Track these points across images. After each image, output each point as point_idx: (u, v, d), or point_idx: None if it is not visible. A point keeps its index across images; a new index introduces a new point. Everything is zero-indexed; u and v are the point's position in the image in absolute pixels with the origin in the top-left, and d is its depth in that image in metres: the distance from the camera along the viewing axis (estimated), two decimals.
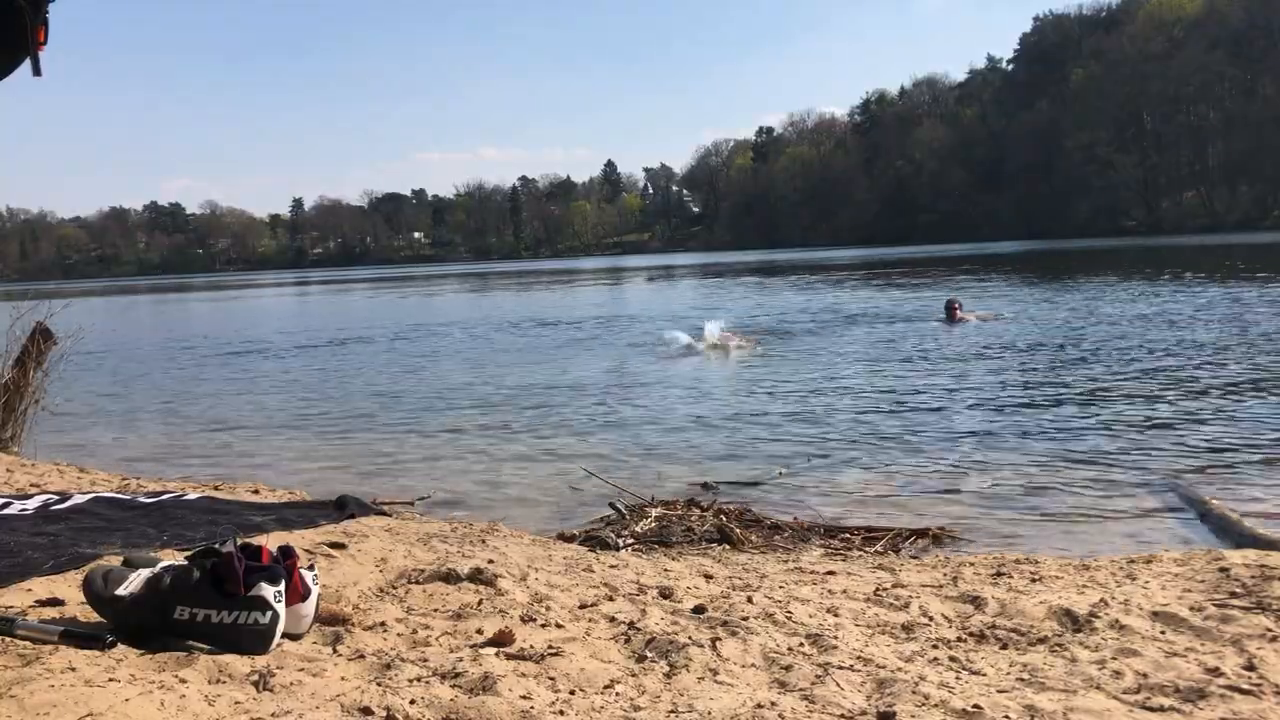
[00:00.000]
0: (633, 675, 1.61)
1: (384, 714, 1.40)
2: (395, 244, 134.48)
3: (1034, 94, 77.49)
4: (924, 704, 1.48)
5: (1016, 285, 19.21)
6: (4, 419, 4.81)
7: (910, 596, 2.12)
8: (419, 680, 1.54)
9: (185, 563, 1.72)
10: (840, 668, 1.65)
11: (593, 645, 1.75)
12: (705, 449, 5.25)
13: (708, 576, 2.38)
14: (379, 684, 1.50)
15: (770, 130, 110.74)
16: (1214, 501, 3.58)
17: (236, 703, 1.41)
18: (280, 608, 1.65)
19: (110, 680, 1.44)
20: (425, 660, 1.64)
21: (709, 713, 1.45)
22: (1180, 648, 1.77)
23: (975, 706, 1.47)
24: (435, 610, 1.97)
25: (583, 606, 2.02)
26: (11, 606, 1.80)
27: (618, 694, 1.53)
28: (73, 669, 1.47)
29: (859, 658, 1.71)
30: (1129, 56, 70.15)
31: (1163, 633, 1.86)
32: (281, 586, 1.66)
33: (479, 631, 1.82)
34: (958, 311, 11.83)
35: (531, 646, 1.72)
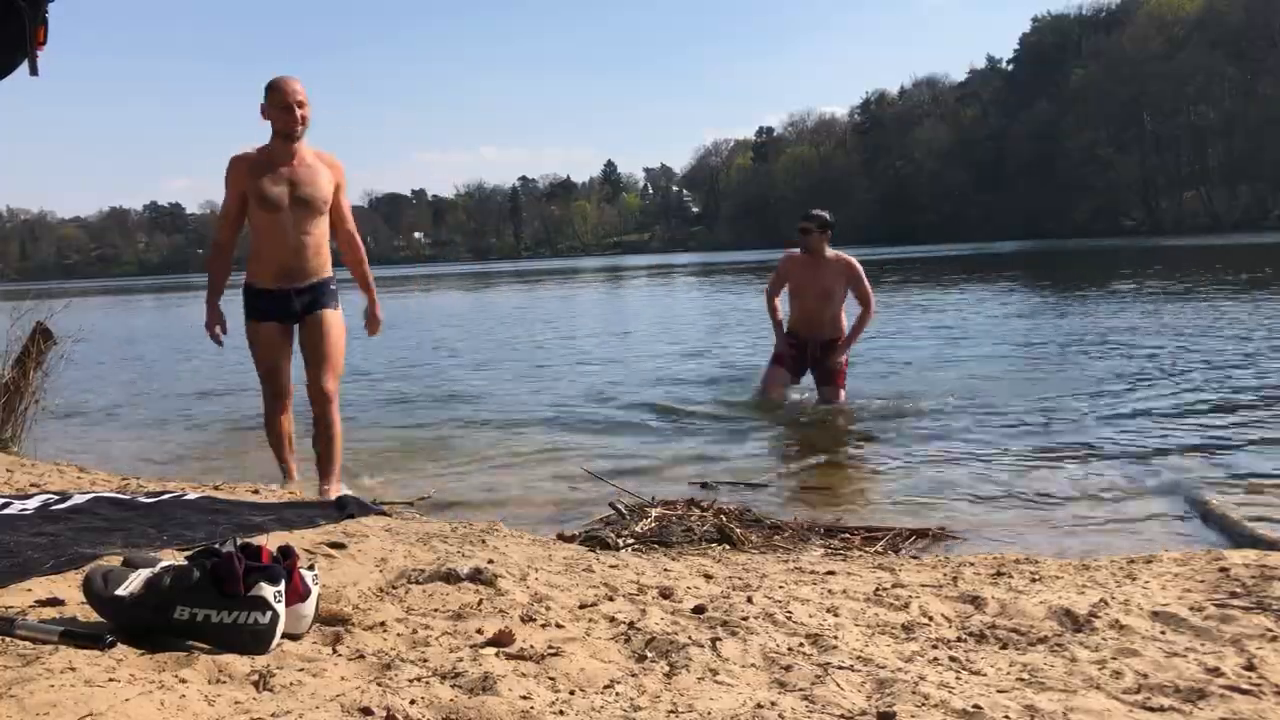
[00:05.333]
0: (633, 675, 1.61)
1: (384, 714, 1.40)
2: (395, 244, 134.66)
3: (1034, 94, 77.53)
4: (924, 704, 1.48)
5: (1016, 286, 19.22)
6: (4, 419, 4.81)
7: (910, 596, 2.12)
8: (419, 680, 1.54)
9: (185, 563, 1.72)
10: (840, 668, 1.65)
11: (593, 645, 1.75)
12: (705, 449, 5.25)
13: (708, 576, 2.38)
14: (379, 684, 1.50)
15: (770, 130, 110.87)
16: (1214, 501, 3.58)
17: (236, 703, 1.41)
18: (280, 608, 1.65)
19: (110, 680, 1.44)
20: (425, 660, 1.64)
21: (709, 713, 1.45)
22: (1180, 648, 1.77)
23: (975, 706, 1.47)
24: (435, 610, 1.97)
25: (583, 606, 2.03)
26: (11, 606, 1.80)
27: (618, 694, 1.53)
28: (73, 669, 1.47)
29: (859, 658, 1.71)
30: (1129, 56, 70.16)
31: (1163, 633, 1.86)
32: (281, 586, 1.66)
33: (479, 631, 1.82)
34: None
35: (531, 646, 1.72)
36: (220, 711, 1.38)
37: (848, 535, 3.30)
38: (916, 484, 4.26)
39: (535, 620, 1.90)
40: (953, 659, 1.73)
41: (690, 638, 1.79)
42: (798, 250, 6.34)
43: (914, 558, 2.91)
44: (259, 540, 1.96)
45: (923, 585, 2.24)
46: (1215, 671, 1.64)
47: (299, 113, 3.92)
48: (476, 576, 2.18)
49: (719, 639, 1.79)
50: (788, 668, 1.65)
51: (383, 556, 2.39)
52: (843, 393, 6.23)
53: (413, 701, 1.44)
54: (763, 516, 3.56)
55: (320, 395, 4.04)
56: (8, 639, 1.59)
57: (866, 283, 6.20)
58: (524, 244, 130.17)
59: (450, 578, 2.17)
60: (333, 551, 2.41)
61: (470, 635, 1.80)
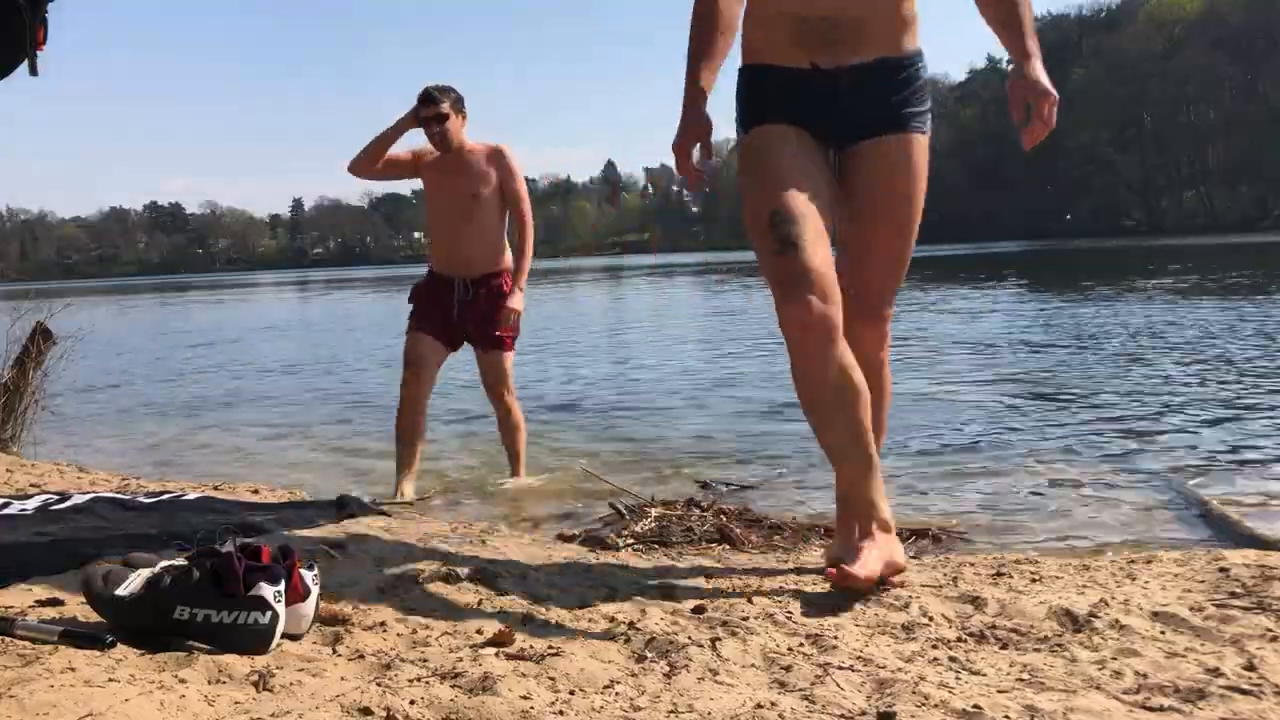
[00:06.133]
0: (633, 675, 1.61)
1: (384, 714, 1.40)
2: (395, 244, 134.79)
3: None
4: (924, 704, 1.48)
5: (1017, 286, 19.22)
6: (4, 419, 4.81)
7: (910, 596, 2.12)
8: (419, 680, 1.54)
9: (185, 563, 1.72)
10: (840, 668, 1.65)
11: (593, 645, 1.75)
12: (705, 449, 5.25)
13: (708, 576, 2.38)
14: (379, 684, 1.50)
15: None
16: (1214, 501, 3.58)
17: (236, 703, 1.41)
18: (280, 608, 1.66)
19: (110, 680, 1.44)
20: (425, 660, 1.64)
21: (709, 713, 1.45)
22: (1180, 648, 1.77)
23: (975, 706, 1.47)
24: (435, 610, 1.97)
25: (583, 606, 2.03)
26: (11, 606, 1.80)
27: (617, 694, 1.53)
28: (73, 669, 1.47)
29: (859, 658, 1.71)
30: (1129, 56, 70.18)
31: (1163, 633, 1.86)
32: (281, 586, 1.66)
33: (479, 631, 1.82)
34: None
35: (531, 646, 1.72)
36: (220, 711, 1.38)
37: None
38: (916, 484, 4.25)
39: (535, 620, 1.90)
40: (953, 659, 1.73)
41: (690, 638, 1.79)
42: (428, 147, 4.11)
43: (914, 558, 2.91)
44: (259, 540, 1.97)
45: (923, 585, 2.24)
46: (1215, 671, 1.64)
47: None
48: (476, 576, 2.18)
49: (719, 639, 1.79)
50: (788, 668, 1.65)
51: (383, 556, 2.39)
52: (508, 359, 4.17)
53: (413, 701, 1.44)
54: (763, 516, 3.56)
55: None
56: (8, 639, 1.59)
57: (521, 182, 4.08)
58: None
59: (450, 578, 2.17)
60: (333, 551, 2.41)
61: (470, 635, 1.80)
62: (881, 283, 2.19)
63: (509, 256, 4.13)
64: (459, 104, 4.02)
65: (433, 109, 3.97)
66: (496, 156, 4.04)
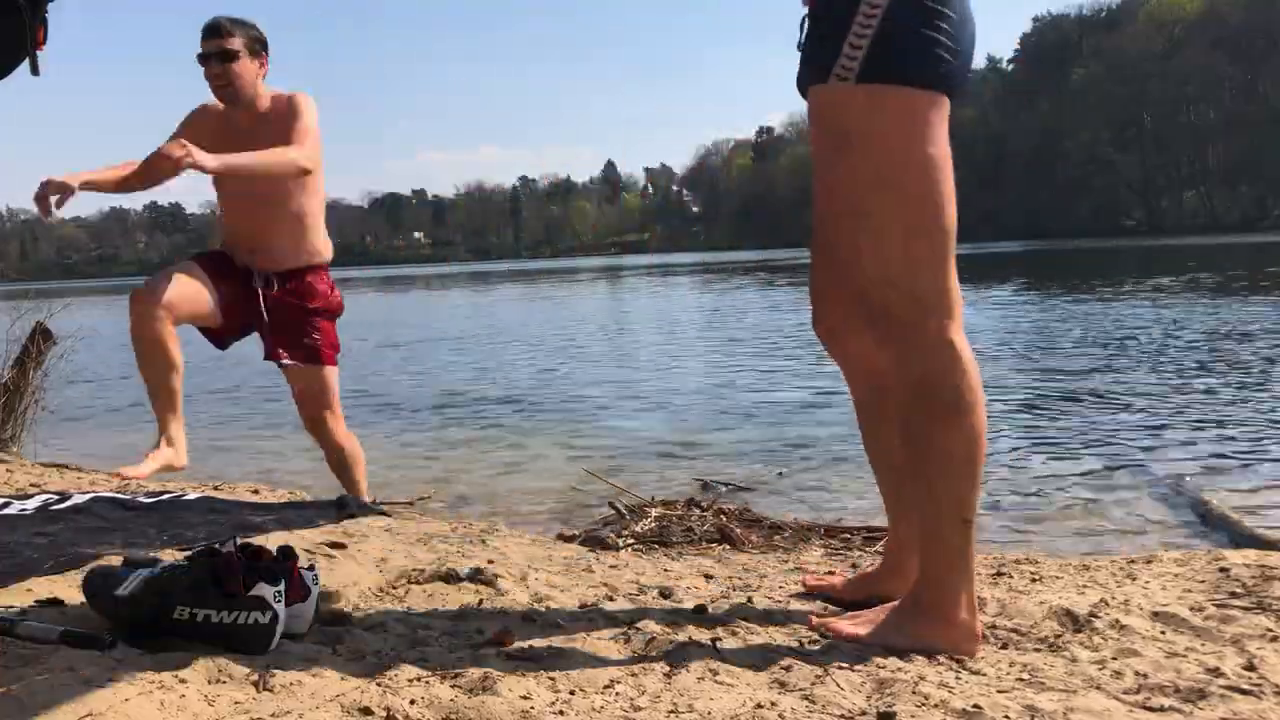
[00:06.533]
0: (633, 675, 1.61)
1: (384, 714, 1.40)
2: (395, 244, 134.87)
3: (1034, 94, 77.63)
4: (924, 704, 1.48)
5: (1016, 286, 19.22)
6: (4, 419, 4.81)
7: None
8: (419, 680, 1.54)
9: (185, 563, 1.72)
10: (840, 668, 1.65)
11: (593, 645, 1.75)
12: (705, 449, 5.25)
13: (708, 576, 2.38)
14: (379, 684, 1.50)
15: (770, 130, 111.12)
16: (1214, 501, 3.58)
17: (236, 703, 1.41)
18: (280, 608, 1.65)
19: (110, 680, 1.44)
20: (425, 660, 1.64)
21: (709, 713, 1.45)
22: (1180, 648, 1.77)
23: (975, 706, 1.47)
24: (435, 610, 1.97)
25: (583, 606, 2.03)
26: (11, 606, 1.80)
27: (618, 694, 1.53)
28: (73, 669, 1.47)
29: (859, 657, 1.71)
30: (1129, 56, 70.24)
31: (1163, 633, 1.86)
32: (281, 586, 1.66)
33: (479, 631, 1.82)
34: None
35: (531, 646, 1.72)
36: (220, 711, 1.38)
37: (848, 535, 3.30)
38: None
39: (535, 620, 1.90)
40: (953, 659, 1.73)
41: (690, 638, 1.79)
42: (216, 103, 3.15)
43: None
44: (259, 540, 1.97)
45: None
46: (1215, 671, 1.64)
47: None
48: (476, 576, 2.18)
49: (719, 639, 1.79)
50: (788, 668, 1.65)
51: (383, 556, 2.38)
52: (331, 375, 3.53)
53: (413, 701, 1.44)
54: (763, 516, 3.56)
55: None
56: (8, 639, 1.59)
57: (305, 121, 3.02)
58: (524, 244, 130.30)
59: (450, 578, 2.17)
60: (333, 551, 2.41)
61: (470, 635, 1.80)
62: (839, 280, 1.77)
63: (327, 247, 3.31)
64: (257, 45, 3.05)
65: (214, 42, 2.96)
66: (293, 108, 3.04)
